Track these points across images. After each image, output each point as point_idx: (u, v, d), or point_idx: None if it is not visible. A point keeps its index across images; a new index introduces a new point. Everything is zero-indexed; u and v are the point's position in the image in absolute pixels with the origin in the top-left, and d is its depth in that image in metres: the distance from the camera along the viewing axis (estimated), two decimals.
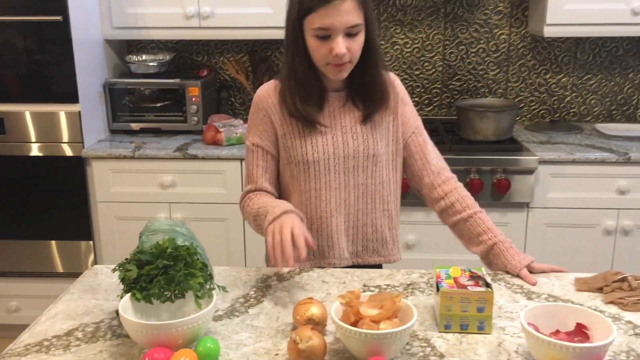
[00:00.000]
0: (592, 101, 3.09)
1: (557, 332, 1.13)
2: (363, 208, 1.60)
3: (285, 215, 1.38)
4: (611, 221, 2.57)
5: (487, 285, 1.23)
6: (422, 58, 3.09)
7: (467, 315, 1.21)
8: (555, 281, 1.44)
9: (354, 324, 1.12)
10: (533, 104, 3.11)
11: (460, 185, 1.62)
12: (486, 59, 3.07)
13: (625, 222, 2.57)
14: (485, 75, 3.09)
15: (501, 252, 1.50)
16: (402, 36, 3.07)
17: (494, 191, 2.53)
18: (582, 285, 1.39)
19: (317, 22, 1.41)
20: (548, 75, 3.07)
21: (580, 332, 1.11)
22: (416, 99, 3.13)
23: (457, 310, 1.21)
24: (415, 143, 1.62)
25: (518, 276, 1.46)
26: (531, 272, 1.46)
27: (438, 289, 1.23)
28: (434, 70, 3.10)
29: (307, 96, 1.52)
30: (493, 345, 1.18)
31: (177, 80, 2.84)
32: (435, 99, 3.14)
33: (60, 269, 2.81)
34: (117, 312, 1.26)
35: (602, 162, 2.52)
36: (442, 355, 1.15)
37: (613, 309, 1.31)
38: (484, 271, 1.28)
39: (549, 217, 2.60)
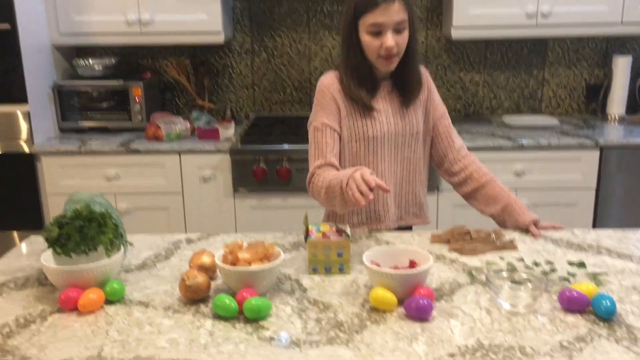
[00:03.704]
0: (502, 96, 3.42)
1: (395, 267, 1.42)
2: (407, 178, 1.88)
3: (356, 172, 1.54)
4: None
5: (348, 236, 1.52)
6: None
7: (329, 259, 1.50)
8: (417, 237, 1.73)
9: (232, 265, 1.39)
10: (450, 99, 3.43)
11: (476, 158, 1.94)
12: None
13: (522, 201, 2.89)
14: None
15: (514, 210, 1.82)
16: (331, 39, 3.37)
17: None
18: (436, 239, 1.69)
19: (370, 20, 1.67)
20: (462, 73, 3.40)
21: (412, 266, 1.41)
22: None
23: (321, 256, 1.50)
24: (443, 125, 1.91)
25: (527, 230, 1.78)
26: (538, 228, 1.79)
27: (306, 241, 1.51)
28: None
29: (361, 81, 1.76)
30: (348, 281, 1.47)
31: (120, 82, 3.10)
32: None
33: None
34: None
35: (500, 148, 2.85)
36: (305, 290, 1.43)
37: (454, 255, 1.61)
38: (347, 226, 1.57)
39: (456, 198, 2.90)
